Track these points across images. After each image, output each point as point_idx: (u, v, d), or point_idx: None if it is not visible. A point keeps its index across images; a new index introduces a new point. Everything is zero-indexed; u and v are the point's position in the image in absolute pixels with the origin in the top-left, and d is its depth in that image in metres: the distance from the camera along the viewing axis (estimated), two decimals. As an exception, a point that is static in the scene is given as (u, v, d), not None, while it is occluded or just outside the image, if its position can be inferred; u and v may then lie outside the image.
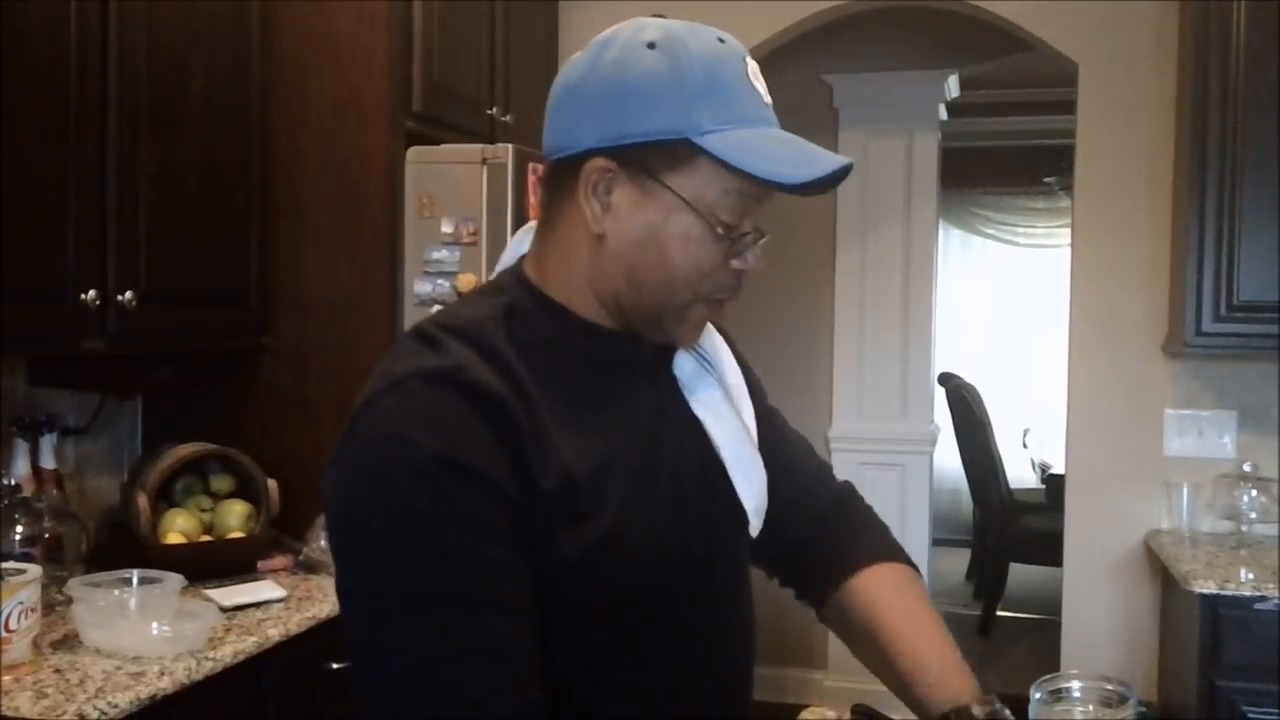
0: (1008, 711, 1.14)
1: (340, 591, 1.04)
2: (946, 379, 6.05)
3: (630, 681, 1.11)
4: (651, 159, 1.06)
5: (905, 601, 1.26)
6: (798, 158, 1.07)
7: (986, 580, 6.09)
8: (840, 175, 1.08)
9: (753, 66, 1.11)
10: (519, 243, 1.21)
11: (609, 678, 1.10)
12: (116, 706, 1.79)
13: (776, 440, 1.33)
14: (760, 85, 1.10)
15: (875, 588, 1.28)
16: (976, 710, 1.13)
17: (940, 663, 1.20)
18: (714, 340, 1.28)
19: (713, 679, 1.18)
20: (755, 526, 1.22)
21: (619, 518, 1.07)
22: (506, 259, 1.22)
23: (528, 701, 1.00)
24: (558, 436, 1.05)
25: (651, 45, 1.07)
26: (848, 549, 1.31)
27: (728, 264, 1.09)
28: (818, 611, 1.34)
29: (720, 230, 1.07)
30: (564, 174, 1.10)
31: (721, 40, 1.10)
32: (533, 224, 1.19)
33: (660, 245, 1.08)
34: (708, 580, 1.17)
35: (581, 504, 1.05)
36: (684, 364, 1.22)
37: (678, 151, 1.06)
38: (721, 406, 1.23)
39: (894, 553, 1.32)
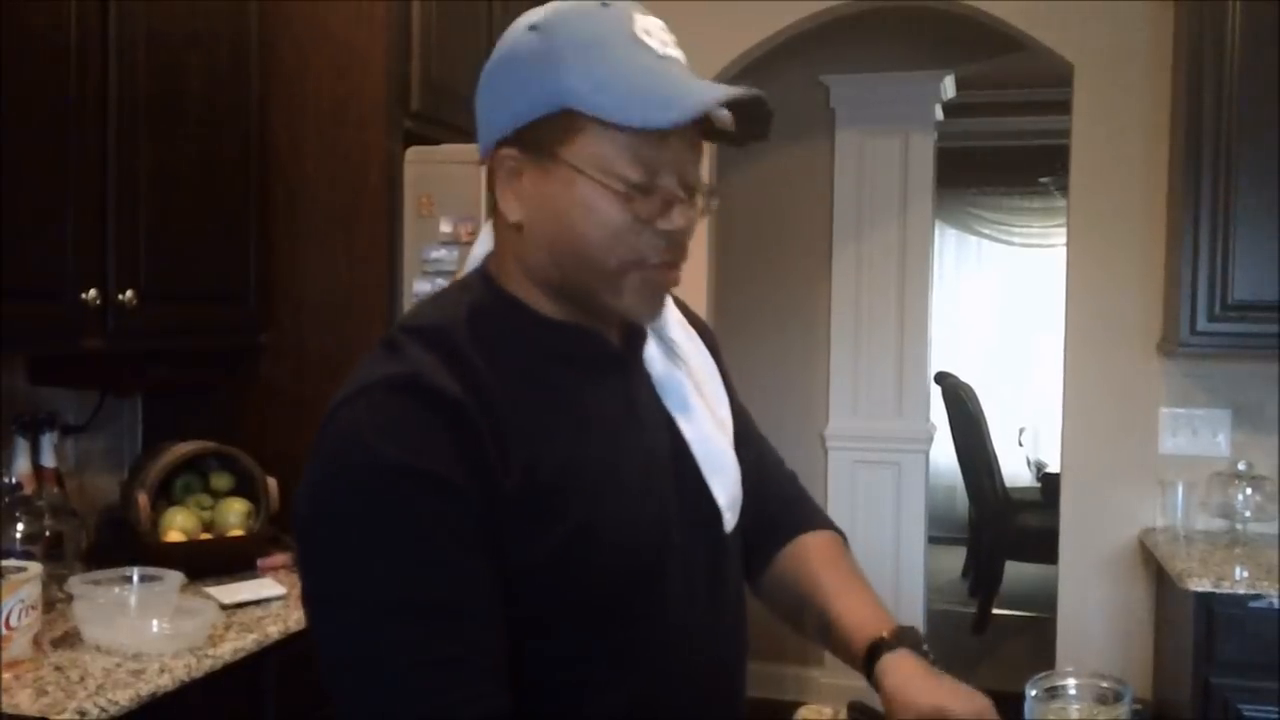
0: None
1: (307, 600, 1.04)
2: (942, 378, 6.06)
3: (608, 680, 1.10)
4: (543, 135, 1.06)
5: (836, 560, 1.33)
6: (677, 100, 1.03)
7: (982, 578, 6.10)
8: (765, 109, 1.06)
9: (644, 22, 1.08)
10: (484, 240, 1.21)
11: (587, 677, 1.09)
12: (117, 704, 1.80)
13: (757, 441, 1.36)
14: (654, 39, 1.07)
15: (809, 550, 1.34)
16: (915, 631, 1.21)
17: (867, 607, 1.25)
18: (684, 333, 1.27)
19: (696, 677, 1.17)
20: (729, 521, 1.22)
21: (589, 515, 1.06)
22: (476, 255, 1.21)
23: (497, 707, 1.00)
24: (523, 437, 1.04)
25: (533, 27, 1.08)
26: (785, 514, 1.37)
27: (650, 225, 1.06)
28: (753, 584, 1.36)
29: (624, 190, 1.04)
30: (489, 170, 1.12)
31: (604, 5, 1.08)
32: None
33: (568, 219, 1.07)
34: (686, 576, 1.16)
35: (549, 503, 1.04)
36: (654, 359, 1.21)
37: (563, 122, 1.05)
38: (691, 401, 1.22)
39: (821, 517, 1.39)
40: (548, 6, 1.10)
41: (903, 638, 1.19)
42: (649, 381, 1.20)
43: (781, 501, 1.38)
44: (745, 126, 1.10)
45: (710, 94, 1.04)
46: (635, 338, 1.19)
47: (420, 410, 1.01)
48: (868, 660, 1.19)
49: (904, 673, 1.15)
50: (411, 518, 0.99)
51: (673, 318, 1.25)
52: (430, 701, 0.98)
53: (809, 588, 1.30)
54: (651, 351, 1.21)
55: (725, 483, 1.21)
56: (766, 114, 1.09)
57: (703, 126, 1.08)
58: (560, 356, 1.12)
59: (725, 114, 1.08)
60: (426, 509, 0.99)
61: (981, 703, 1.12)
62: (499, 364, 1.07)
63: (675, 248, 1.09)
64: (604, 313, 1.13)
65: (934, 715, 1.11)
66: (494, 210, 1.15)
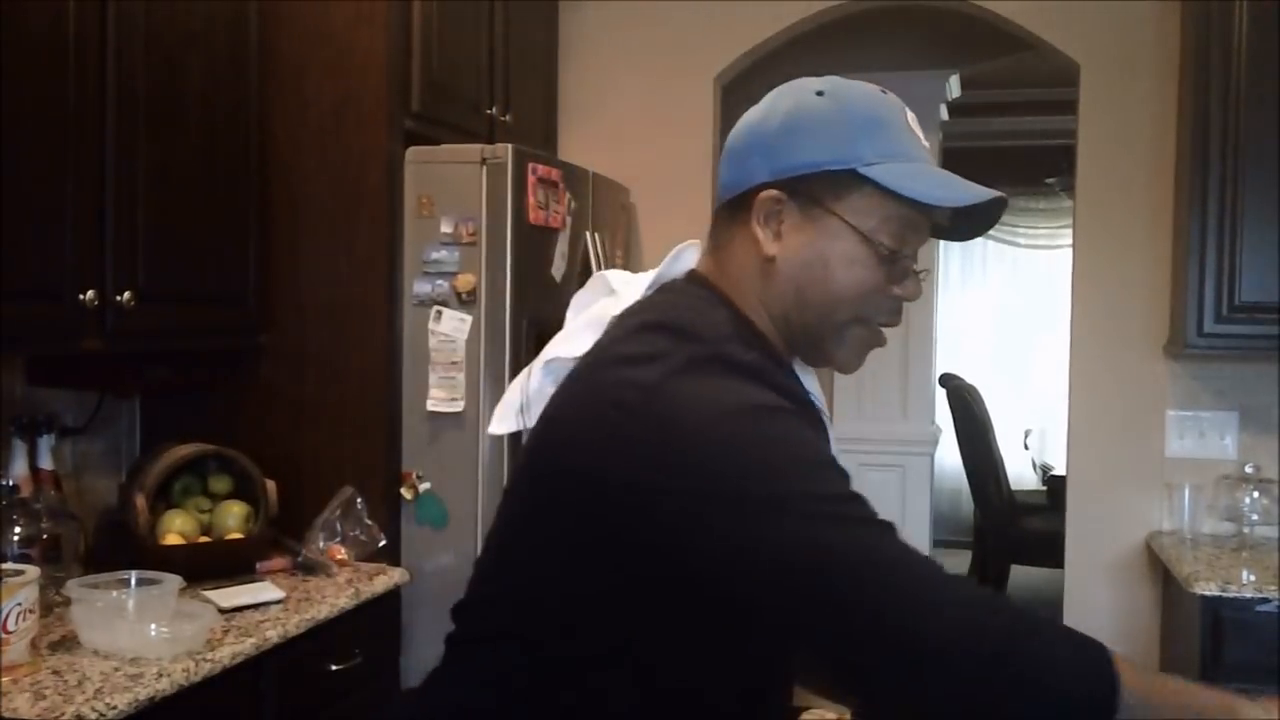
0: None
1: (758, 514, 1.03)
2: (947, 380, 6.04)
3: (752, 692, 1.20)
4: (818, 188, 1.18)
5: None
6: (953, 187, 1.18)
7: (987, 581, 6.07)
8: (996, 211, 1.20)
9: (912, 116, 1.22)
10: (677, 259, 1.29)
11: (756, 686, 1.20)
12: (115, 708, 1.79)
13: None
14: (919, 131, 1.22)
15: None
16: None
17: None
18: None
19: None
20: None
21: None
22: (666, 272, 1.28)
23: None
24: None
25: (820, 93, 1.20)
26: None
27: (888, 288, 1.19)
28: None
29: (883, 253, 1.17)
30: (737, 206, 1.22)
31: (883, 92, 1.22)
32: (688, 243, 1.29)
33: (826, 266, 1.18)
34: None
35: None
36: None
37: (842, 180, 1.17)
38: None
39: None
40: (831, 80, 1.23)
41: None
42: None
43: None
44: (969, 224, 1.25)
45: (982, 190, 1.18)
46: (826, 367, 1.29)
47: (779, 400, 1.09)
48: None
49: None
50: (812, 437, 1.10)
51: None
52: (929, 578, 1.01)
53: None
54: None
55: None
56: (995, 219, 1.23)
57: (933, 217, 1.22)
58: (784, 387, 1.17)
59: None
60: (816, 435, 1.11)
61: None
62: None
63: (898, 314, 1.23)
64: (815, 355, 1.25)
65: None
66: (721, 241, 1.24)
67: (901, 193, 1.15)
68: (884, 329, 1.23)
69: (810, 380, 1.28)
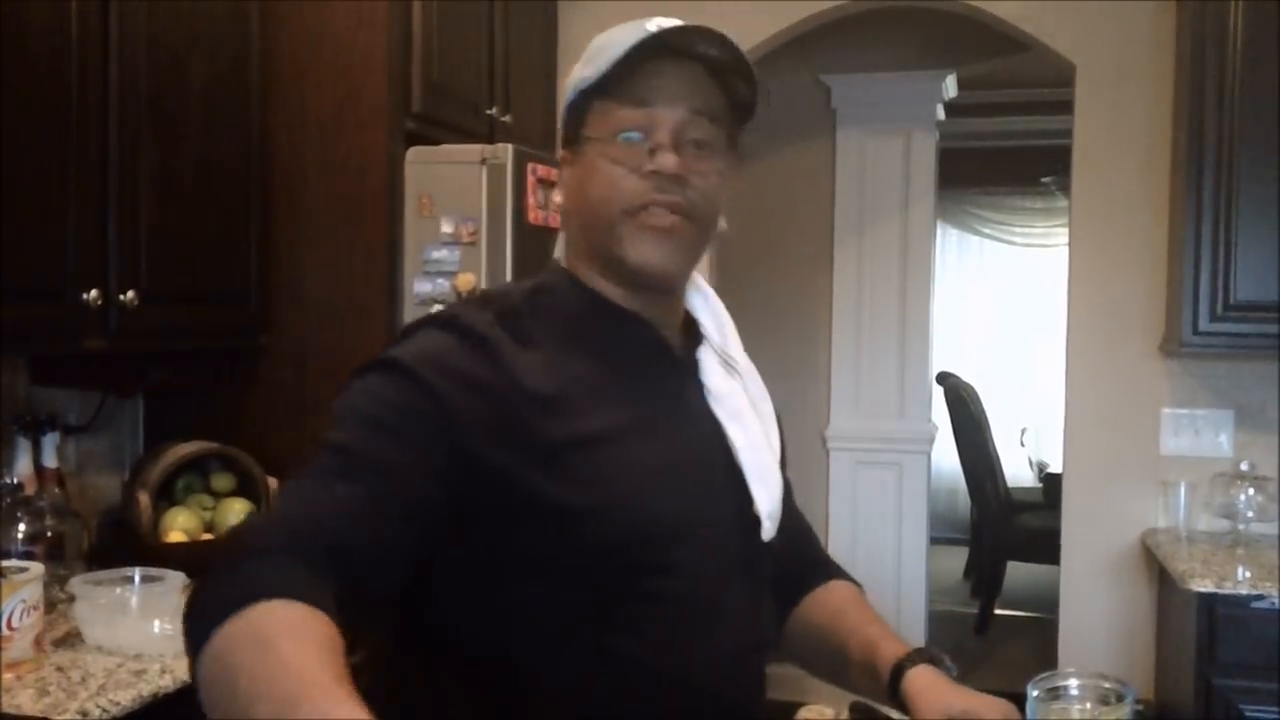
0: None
1: None
2: (944, 378, 6.06)
3: (622, 653, 1.13)
4: (571, 125, 1.24)
5: (856, 602, 1.40)
6: (629, 40, 1.16)
7: (984, 579, 6.10)
8: (728, 49, 1.20)
9: (660, 20, 1.18)
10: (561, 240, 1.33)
11: (604, 644, 1.13)
12: (118, 704, 1.80)
13: (791, 504, 1.38)
14: (652, 24, 1.17)
15: (830, 594, 1.41)
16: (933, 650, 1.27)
17: (892, 638, 1.31)
18: (746, 358, 1.33)
19: (715, 666, 1.19)
20: (769, 531, 1.26)
21: (623, 487, 1.12)
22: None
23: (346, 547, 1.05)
24: (564, 396, 1.13)
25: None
26: (808, 573, 1.43)
27: (638, 171, 1.18)
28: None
29: (616, 143, 1.18)
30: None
31: (650, 27, 1.18)
32: None
33: (584, 185, 1.21)
34: (715, 573, 1.19)
35: (576, 463, 1.11)
36: (712, 371, 1.27)
37: (581, 106, 1.22)
38: (744, 412, 1.27)
39: (841, 572, 1.46)
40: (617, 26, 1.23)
41: (926, 656, 1.24)
42: (702, 389, 1.26)
43: (807, 562, 1.44)
44: (734, 102, 1.24)
45: (656, 22, 1.17)
46: (694, 342, 1.27)
47: (449, 338, 1.14)
48: (893, 676, 1.23)
49: (930, 680, 1.21)
50: (385, 394, 1.11)
51: (734, 338, 1.33)
52: (296, 505, 1.06)
53: (830, 625, 1.36)
54: (710, 363, 1.27)
55: (768, 493, 1.26)
56: (751, 98, 1.25)
57: (696, 104, 1.20)
58: (612, 337, 1.22)
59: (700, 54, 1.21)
60: (398, 396, 1.10)
61: (1011, 711, 1.16)
62: (555, 331, 1.18)
63: (664, 190, 1.18)
64: (621, 271, 1.21)
65: (964, 716, 1.15)
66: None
67: (589, 81, 1.19)
68: (668, 211, 1.19)
69: (704, 308, 1.31)
